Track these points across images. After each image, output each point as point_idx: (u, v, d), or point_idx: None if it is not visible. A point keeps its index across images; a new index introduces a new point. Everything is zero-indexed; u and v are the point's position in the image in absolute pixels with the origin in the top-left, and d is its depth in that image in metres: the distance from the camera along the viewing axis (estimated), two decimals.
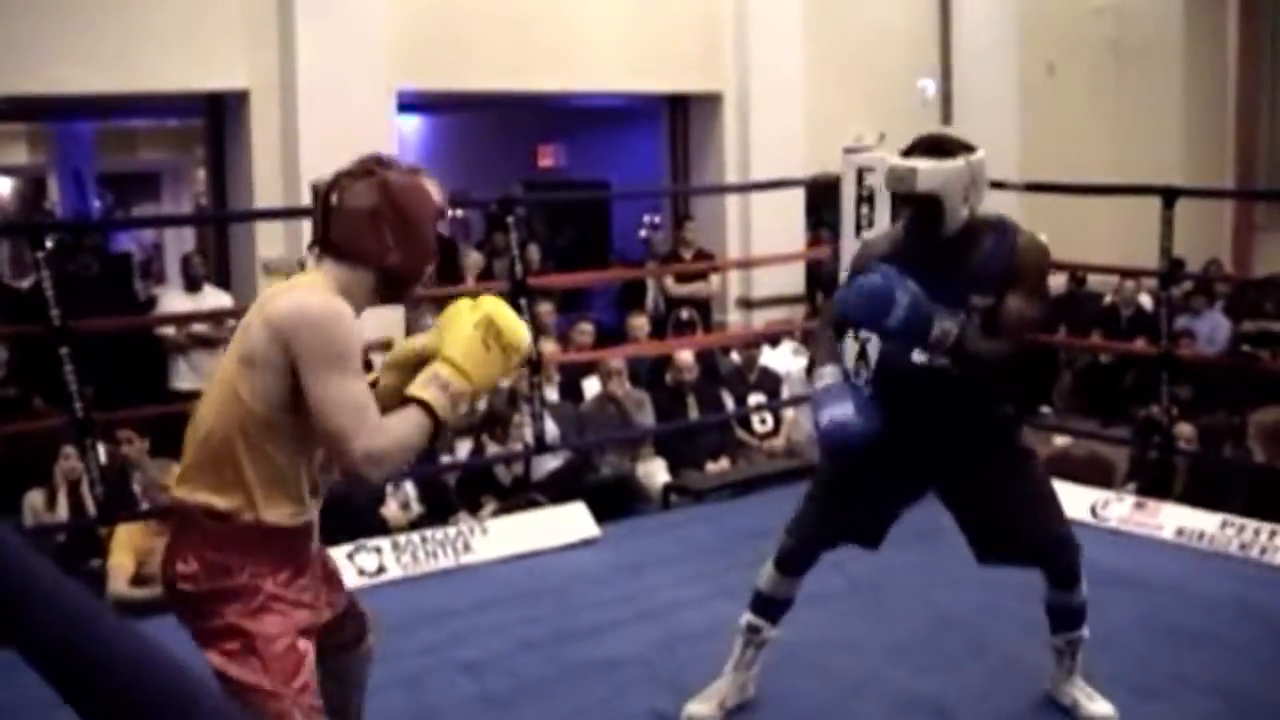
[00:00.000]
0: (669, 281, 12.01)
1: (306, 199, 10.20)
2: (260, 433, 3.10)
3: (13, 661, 1.34)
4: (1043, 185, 8.52)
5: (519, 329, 3.25)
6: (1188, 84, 15.35)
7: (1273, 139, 15.49)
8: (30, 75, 9.37)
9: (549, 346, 9.47)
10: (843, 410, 4.28)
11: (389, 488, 7.82)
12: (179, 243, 16.34)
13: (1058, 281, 12.49)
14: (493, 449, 8.43)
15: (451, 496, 8.09)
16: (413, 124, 17.93)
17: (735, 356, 10.57)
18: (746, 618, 4.75)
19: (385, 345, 10.63)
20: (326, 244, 3.22)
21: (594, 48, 12.20)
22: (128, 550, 6.72)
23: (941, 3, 14.58)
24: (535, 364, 7.37)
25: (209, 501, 3.13)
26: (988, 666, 5.20)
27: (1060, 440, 8.73)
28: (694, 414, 9.45)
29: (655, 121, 14.13)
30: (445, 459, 8.69)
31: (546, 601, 6.16)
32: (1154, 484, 7.95)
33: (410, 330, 10.66)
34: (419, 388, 3.13)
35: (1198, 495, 7.42)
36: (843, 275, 7.93)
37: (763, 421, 9.90)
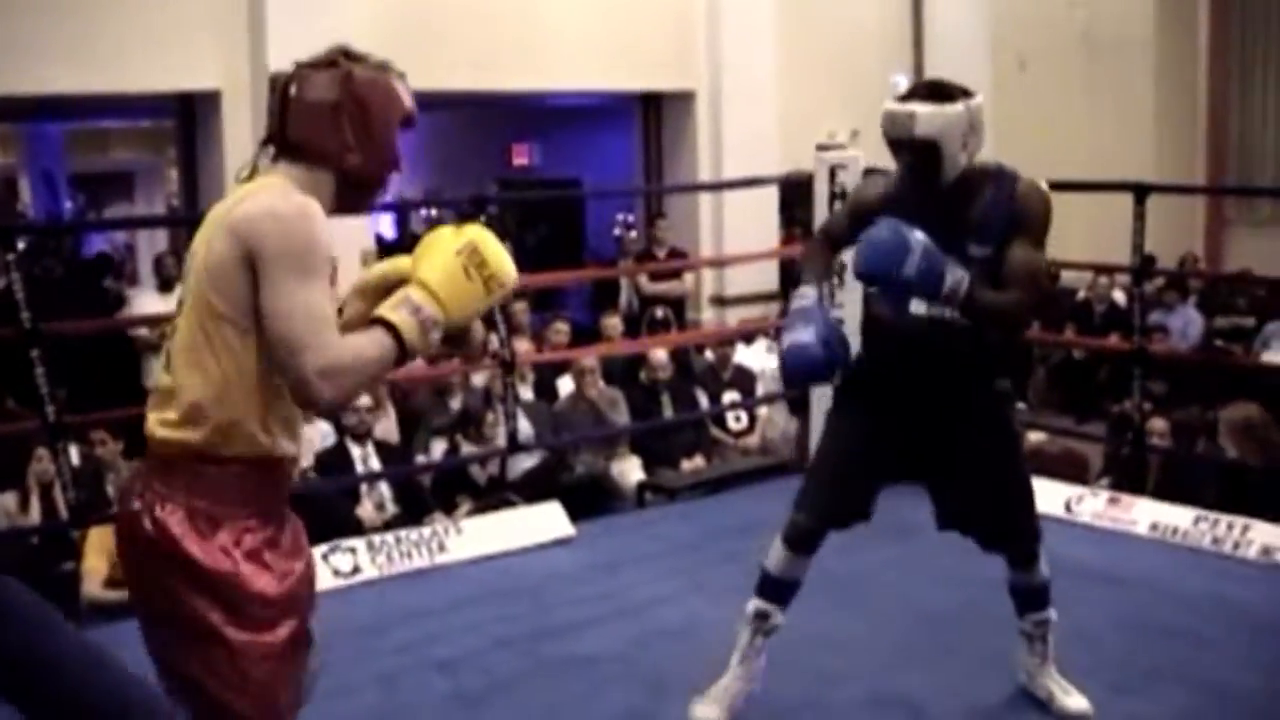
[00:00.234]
0: (643, 280, 12.01)
1: None
2: (252, 346, 2.85)
3: None
4: None
5: (505, 260, 3.00)
6: (1159, 78, 15.40)
7: (1244, 133, 15.54)
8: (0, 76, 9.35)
9: (523, 345, 9.46)
10: (806, 334, 4.20)
11: (364, 488, 7.81)
12: (152, 243, 16.32)
13: None
14: (468, 449, 8.41)
15: (426, 496, 8.07)
16: None
17: (709, 354, 10.57)
18: (754, 604, 4.62)
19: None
20: (283, 142, 2.99)
21: (567, 46, 12.19)
22: (101, 553, 6.70)
23: None
24: (509, 363, 7.36)
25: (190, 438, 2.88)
26: (964, 663, 5.20)
27: (1034, 436, 8.73)
28: (668, 412, 9.44)
29: (628, 120, 14.14)
30: (420, 459, 8.68)
31: (522, 600, 6.15)
32: (1127, 479, 7.96)
33: None
34: (387, 309, 2.88)
35: (1171, 490, 7.43)
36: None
37: (737, 419, 9.90)
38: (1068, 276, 13.68)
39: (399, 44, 11.12)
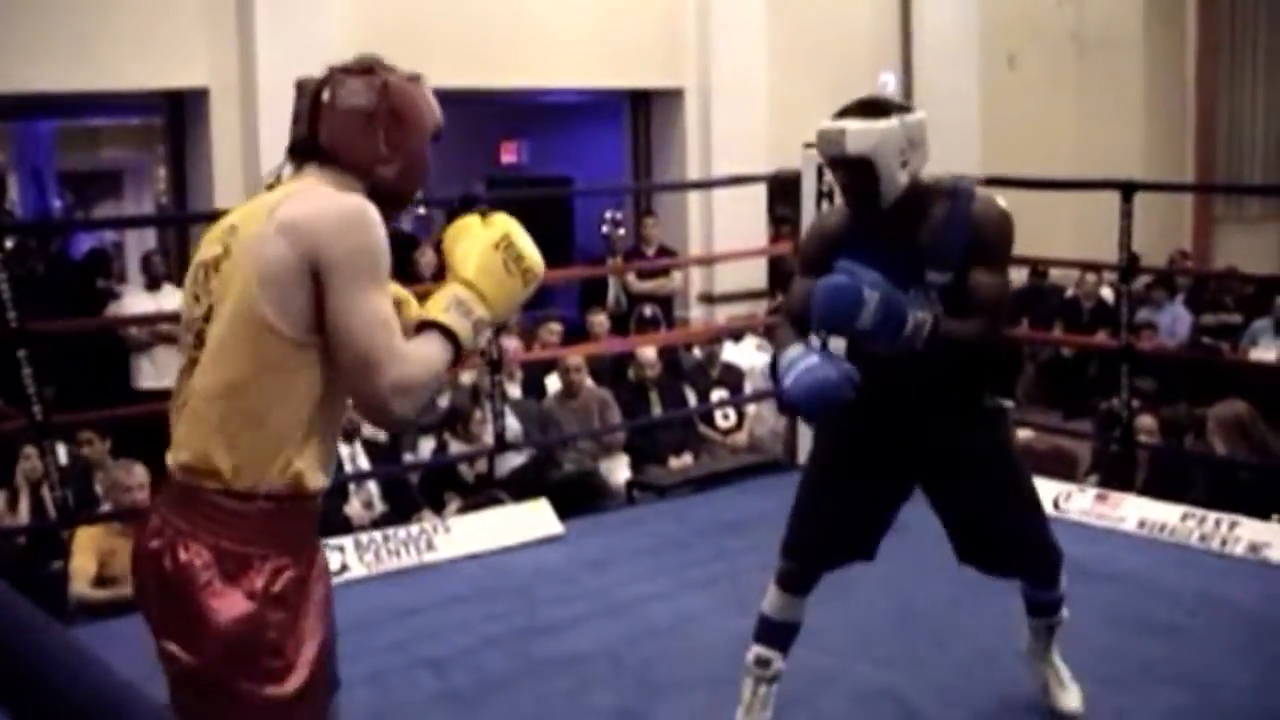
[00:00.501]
0: (631, 278, 12.01)
1: None
2: (302, 364, 2.68)
3: None
4: (1003, 180, 8.54)
5: (536, 250, 2.94)
6: (1148, 77, 15.41)
7: (1232, 131, 15.55)
8: None
9: (511, 343, 9.46)
10: (806, 363, 3.91)
11: (352, 486, 7.81)
12: (140, 241, 16.29)
13: (1019, 275, 12.54)
14: (456, 447, 8.41)
15: (415, 494, 8.08)
16: None
17: (697, 352, 10.58)
18: (754, 651, 4.44)
19: None
20: (313, 147, 2.84)
21: (556, 44, 12.19)
22: (90, 552, 6.69)
23: None
24: (497, 361, 7.36)
25: (222, 467, 2.68)
26: (953, 659, 5.21)
27: (1023, 433, 8.74)
28: (657, 410, 9.45)
29: (617, 117, 14.13)
30: (408, 457, 8.68)
31: (510, 598, 6.15)
32: (1116, 476, 7.98)
33: None
34: (439, 310, 2.77)
35: (1159, 487, 7.45)
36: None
37: (725, 417, 9.91)
38: (1056, 274, 13.70)
39: (387, 41, 11.12)
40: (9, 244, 11.50)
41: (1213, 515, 6.62)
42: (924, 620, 5.61)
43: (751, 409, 9.92)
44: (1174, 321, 12.72)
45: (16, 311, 6.00)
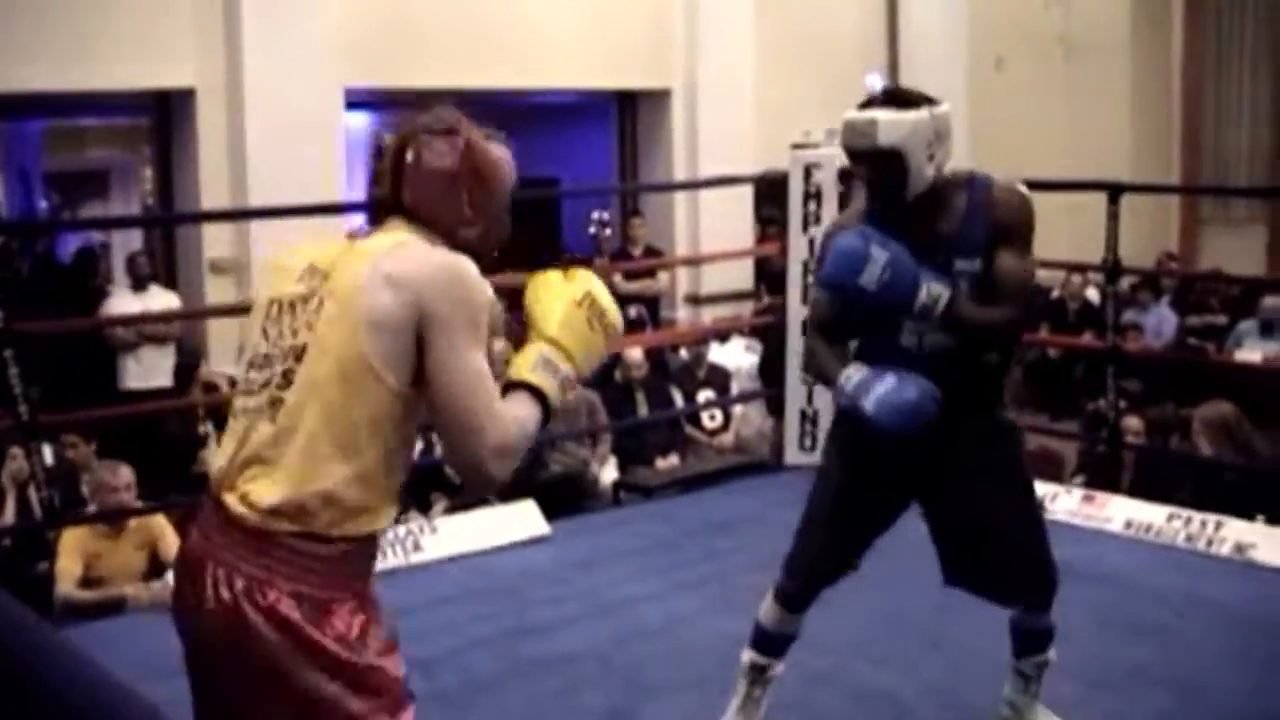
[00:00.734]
0: (618, 278, 12.00)
1: (254, 198, 10.21)
2: (396, 413, 2.65)
3: None
4: None
5: (615, 307, 2.92)
6: (1135, 79, 15.43)
7: (1218, 134, 15.57)
8: None
9: (499, 344, 9.44)
10: (885, 385, 3.79)
11: None
12: (126, 242, 16.26)
13: None
14: None
15: (401, 495, 8.05)
16: (361, 121, 17.87)
17: (684, 353, 10.58)
18: (749, 656, 4.38)
19: None
20: (395, 206, 2.81)
21: (542, 44, 12.19)
22: (75, 553, 6.67)
23: None
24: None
25: (315, 510, 2.61)
26: (946, 661, 5.21)
27: None
28: (643, 411, 9.45)
29: (604, 118, 14.13)
30: None
31: (498, 599, 6.14)
32: (1102, 477, 7.99)
33: None
34: (528, 370, 2.75)
35: (1145, 488, 7.46)
36: (792, 269, 8.00)
37: (712, 418, 9.91)
38: (1042, 275, 13.68)
39: (374, 43, 11.20)
40: None
41: (1199, 516, 6.63)
42: (916, 622, 5.62)
43: (738, 410, 9.93)
44: (1160, 323, 12.74)
45: (3, 311, 5.98)
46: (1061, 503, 7.10)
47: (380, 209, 2.85)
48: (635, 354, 9.58)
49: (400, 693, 2.75)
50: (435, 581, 6.42)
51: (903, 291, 3.78)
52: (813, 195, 7.71)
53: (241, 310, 10.46)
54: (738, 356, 10.83)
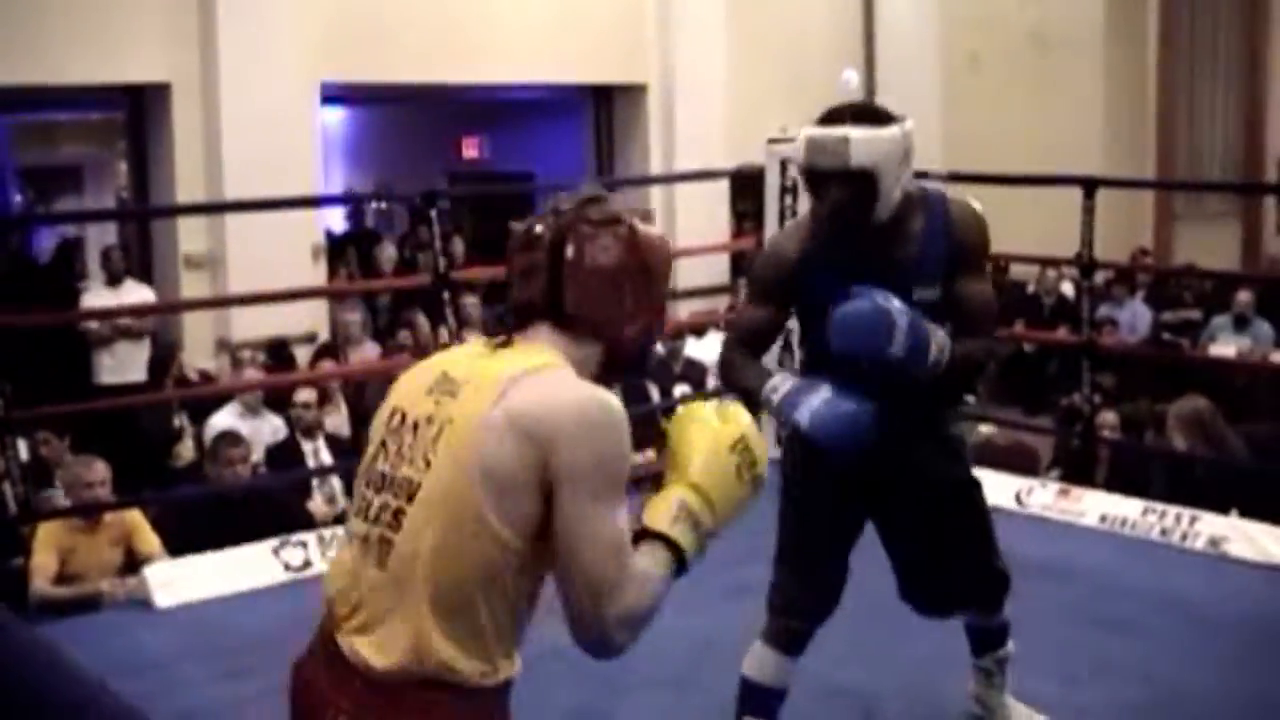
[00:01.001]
0: None
1: (229, 191, 10.20)
2: (515, 567, 2.36)
3: None
4: (965, 176, 8.55)
5: (765, 453, 2.59)
6: (1109, 75, 15.47)
7: (1192, 129, 15.63)
8: None
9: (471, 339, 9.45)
10: (820, 396, 3.55)
11: (315, 482, 7.79)
12: (101, 237, 16.24)
13: None
14: None
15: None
16: (336, 116, 17.85)
17: (660, 347, 10.57)
18: None
19: (308, 338, 10.68)
20: (546, 308, 2.47)
21: (518, 39, 12.19)
22: (50, 549, 6.64)
23: None
24: None
25: (445, 663, 2.34)
26: (911, 657, 5.20)
27: (984, 429, 8.77)
28: None
29: (579, 113, 14.14)
30: None
31: None
32: (1077, 471, 8.01)
33: (336, 326, 10.64)
34: (666, 521, 2.47)
35: (1120, 482, 7.49)
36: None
37: None
38: (1017, 270, 13.74)
39: (349, 37, 11.18)
40: None
41: (1173, 510, 6.64)
42: (881, 619, 5.60)
43: None
44: (1134, 318, 12.79)
45: None
46: (1036, 497, 7.11)
47: (527, 312, 2.51)
48: None
49: None
50: None
51: (922, 350, 3.53)
52: (789, 190, 7.70)
53: (216, 304, 10.50)
54: (714, 351, 10.81)
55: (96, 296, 10.29)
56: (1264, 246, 14.90)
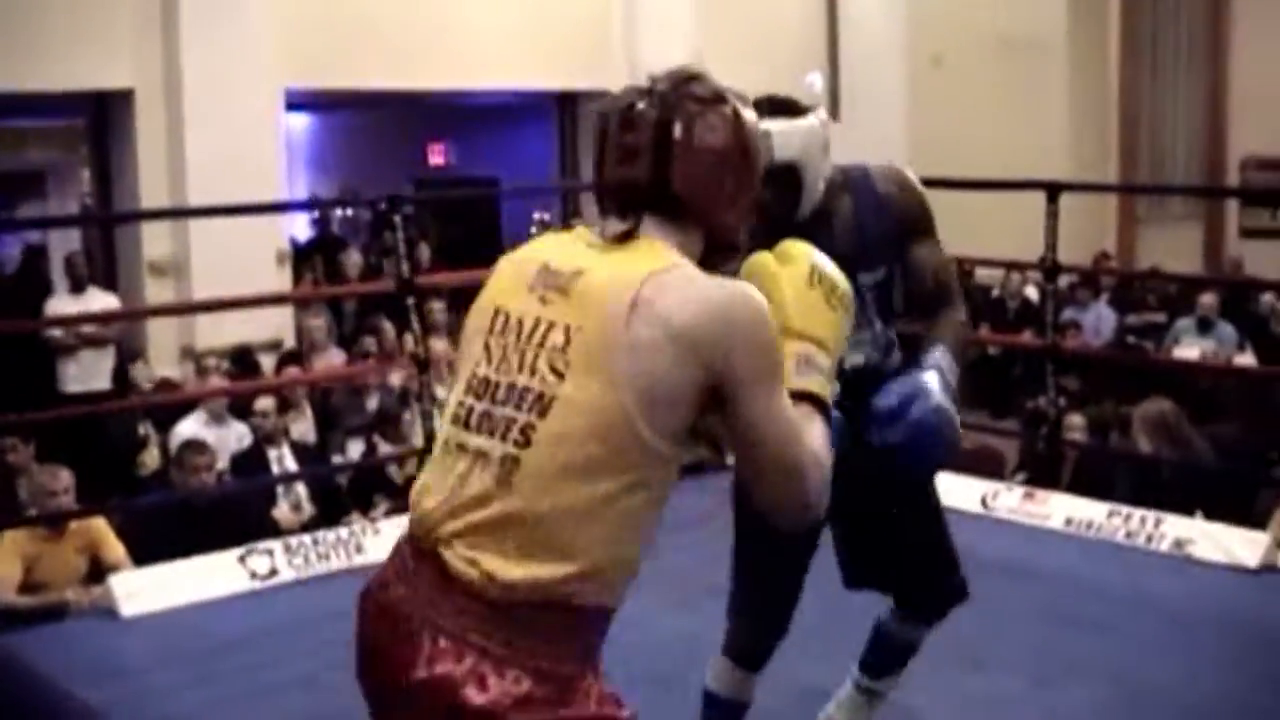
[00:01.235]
0: None
1: (193, 199, 10.16)
2: (660, 474, 2.31)
3: None
4: (929, 180, 8.55)
5: (842, 276, 2.55)
6: (1072, 78, 15.54)
7: (1154, 133, 15.70)
8: None
9: (439, 344, 9.43)
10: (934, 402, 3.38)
11: (280, 489, 7.77)
12: (64, 243, 16.16)
13: None
14: (385, 449, 8.38)
15: (343, 497, 8.03)
16: (301, 122, 17.82)
17: None
18: None
19: (274, 345, 10.65)
20: (654, 194, 2.35)
21: (483, 45, 12.17)
22: (15, 558, 6.61)
23: None
24: (424, 362, 7.32)
25: (567, 580, 2.26)
26: None
27: None
28: None
29: (545, 118, 14.14)
30: (337, 459, 8.64)
31: None
32: (1042, 474, 8.03)
33: (302, 332, 10.61)
34: (800, 378, 2.39)
35: (1085, 485, 7.51)
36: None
37: None
38: (981, 274, 13.78)
39: (313, 43, 11.15)
40: None
41: (1138, 512, 6.66)
42: (854, 615, 5.62)
43: None
44: (1099, 321, 12.84)
45: None
46: (1002, 500, 7.13)
47: (628, 195, 2.39)
48: None
49: None
50: None
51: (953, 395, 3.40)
52: None
53: (180, 310, 10.47)
54: None
55: (60, 303, 10.25)
56: (1226, 249, 14.96)
